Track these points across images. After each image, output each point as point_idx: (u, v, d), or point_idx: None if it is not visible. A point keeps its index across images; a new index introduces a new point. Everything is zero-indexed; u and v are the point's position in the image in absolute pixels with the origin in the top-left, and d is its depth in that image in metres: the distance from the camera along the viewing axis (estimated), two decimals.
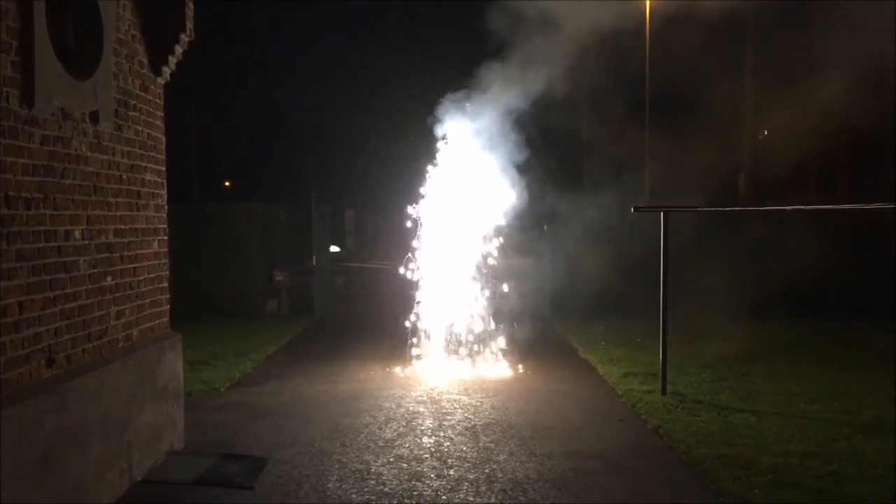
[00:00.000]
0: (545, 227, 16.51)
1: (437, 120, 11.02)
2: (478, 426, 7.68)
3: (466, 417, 8.02)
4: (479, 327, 11.05)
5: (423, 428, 7.61)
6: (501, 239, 11.31)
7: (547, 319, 15.15)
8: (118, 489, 5.45)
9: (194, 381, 9.69)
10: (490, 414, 8.17)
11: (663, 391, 8.90)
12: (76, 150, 5.16)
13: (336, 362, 11.16)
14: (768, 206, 11.24)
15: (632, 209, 9.36)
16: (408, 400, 8.81)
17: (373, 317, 15.03)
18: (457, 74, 11.16)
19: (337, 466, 6.35)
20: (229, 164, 43.11)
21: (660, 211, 9.13)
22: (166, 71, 6.68)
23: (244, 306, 16.38)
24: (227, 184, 45.84)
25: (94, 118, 5.38)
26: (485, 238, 11.21)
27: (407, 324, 11.07)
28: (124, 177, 5.85)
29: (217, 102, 34.11)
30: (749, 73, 22.84)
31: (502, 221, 11.24)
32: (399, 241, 11.33)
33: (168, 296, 6.73)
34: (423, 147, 11.31)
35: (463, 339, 11.02)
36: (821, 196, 15.32)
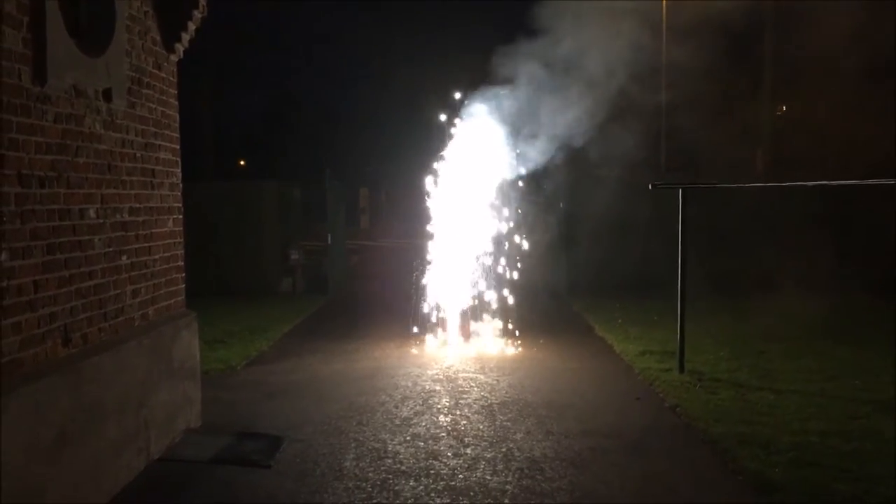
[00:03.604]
0: (560, 203, 16.40)
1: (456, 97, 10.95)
2: (494, 405, 7.65)
3: (483, 396, 7.99)
4: (494, 305, 11.01)
5: (439, 406, 7.58)
6: (517, 215, 11.24)
7: (562, 297, 15.10)
8: (135, 468, 5.46)
9: (210, 359, 9.71)
10: (506, 392, 8.14)
11: (681, 369, 8.83)
12: (89, 127, 5.12)
13: (351, 340, 11.15)
14: (789, 182, 11.06)
15: (649, 186, 9.24)
16: (424, 378, 8.79)
17: (387, 295, 15.00)
18: (475, 48, 11.05)
19: (353, 445, 6.34)
20: (243, 142, 43.03)
21: (678, 188, 9.03)
22: (180, 48, 6.62)
23: (259, 285, 16.40)
24: (241, 162, 45.82)
25: (108, 95, 5.33)
26: (500, 214, 11.14)
27: (421, 302, 11.05)
28: (138, 155, 5.81)
29: (231, 80, 34.03)
30: (769, 54, 22.51)
31: (517, 197, 11.17)
32: (413, 219, 11.28)
33: (183, 274, 6.71)
34: (438, 121, 11.21)
35: (478, 316, 11.00)
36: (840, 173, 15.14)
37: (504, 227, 11.19)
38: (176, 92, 6.58)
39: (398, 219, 32.43)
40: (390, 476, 5.65)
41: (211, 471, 5.73)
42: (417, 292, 11.12)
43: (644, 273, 14.78)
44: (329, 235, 16.41)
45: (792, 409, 7.38)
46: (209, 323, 12.53)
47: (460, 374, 8.97)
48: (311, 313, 14.01)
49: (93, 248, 5.09)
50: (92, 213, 5.09)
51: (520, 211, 11.37)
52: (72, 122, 4.91)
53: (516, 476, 5.69)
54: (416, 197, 11.39)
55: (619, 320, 12.33)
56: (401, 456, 6.08)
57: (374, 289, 17.23)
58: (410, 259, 11.45)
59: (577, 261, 15.68)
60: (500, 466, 5.88)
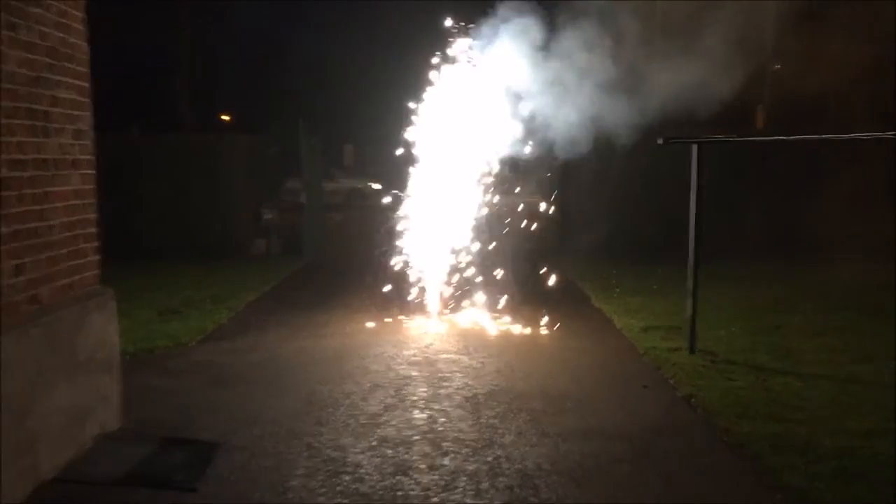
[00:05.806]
0: (554, 161, 15.19)
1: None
2: (479, 395, 6.51)
3: (466, 384, 6.85)
4: (479, 274, 9.87)
5: (414, 398, 6.43)
6: (505, 174, 10.09)
7: (554, 262, 13.95)
8: (16, 494, 4.26)
9: (160, 334, 8.64)
10: (493, 379, 7.00)
11: (691, 349, 7.78)
12: None
13: (322, 311, 10.06)
14: (803, 136, 9.90)
15: (659, 141, 8.04)
16: (399, 361, 7.64)
17: (366, 259, 13.85)
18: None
19: (306, 454, 5.17)
20: (227, 96, 41.36)
21: (692, 143, 7.87)
22: None
23: (229, 246, 15.19)
24: (226, 118, 44.11)
25: None
26: (486, 174, 9.98)
27: (403, 268, 9.94)
28: (22, 92, 4.52)
29: (211, 32, 32.26)
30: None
31: (506, 155, 9.99)
32: (399, 178, 10.15)
33: (96, 244, 5.42)
34: (424, 72, 10.00)
35: (462, 287, 9.87)
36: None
37: (493, 190, 10.04)
38: (82, 16, 5.24)
39: (385, 177, 31.15)
40: (346, 501, 4.49)
41: (118, 496, 4.49)
42: (399, 257, 9.99)
43: (639, 237, 13.81)
44: (303, 194, 15.18)
45: (824, 399, 6.35)
46: (168, 289, 11.42)
47: (441, 356, 7.83)
48: (283, 279, 12.87)
49: None
50: None
51: (511, 172, 10.20)
52: None
53: (505, 497, 4.57)
54: (403, 154, 10.18)
55: (617, 289, 11.25)
56: (362, 470, 4.92)
57: (353, 252, 15.98)
58: (394, 221, 10.25)
59: (571, 223, 14.55)
60: (485, 484, 4.75)
